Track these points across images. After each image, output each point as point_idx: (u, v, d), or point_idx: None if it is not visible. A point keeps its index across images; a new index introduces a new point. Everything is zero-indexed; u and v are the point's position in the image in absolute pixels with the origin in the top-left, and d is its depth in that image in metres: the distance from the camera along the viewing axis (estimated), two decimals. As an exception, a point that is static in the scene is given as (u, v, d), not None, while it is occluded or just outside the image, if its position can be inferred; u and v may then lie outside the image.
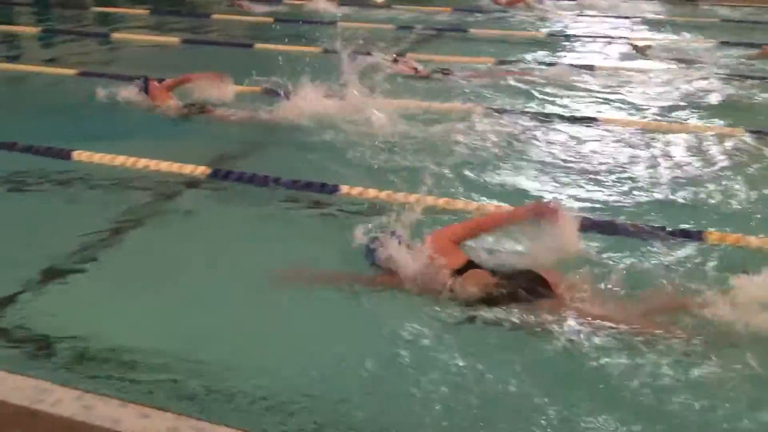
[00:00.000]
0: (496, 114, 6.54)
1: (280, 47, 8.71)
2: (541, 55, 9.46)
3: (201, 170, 5.18)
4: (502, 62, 8.81)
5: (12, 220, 4.40)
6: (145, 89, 6.63)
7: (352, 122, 6.13)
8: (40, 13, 13.25)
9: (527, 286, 3.32)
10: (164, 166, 5.25)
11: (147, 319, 3.36)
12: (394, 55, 8.03)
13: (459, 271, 3.44)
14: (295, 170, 5.15)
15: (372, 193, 4.76)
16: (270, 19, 12.16)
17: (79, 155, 5.42)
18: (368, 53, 7.16)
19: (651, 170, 5.40)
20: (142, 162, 5.28)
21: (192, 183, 5.09)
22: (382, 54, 7.31)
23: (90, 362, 3.02)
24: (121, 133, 6.17)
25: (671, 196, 4.91)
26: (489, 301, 3.31)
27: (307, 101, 6.42)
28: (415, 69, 8.06)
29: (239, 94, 7.01)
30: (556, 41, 10.64)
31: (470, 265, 3.49)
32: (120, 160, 5.32)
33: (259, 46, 9.77)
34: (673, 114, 6.92)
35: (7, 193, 4.91)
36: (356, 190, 4.81)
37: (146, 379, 2.89)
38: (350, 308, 3.46)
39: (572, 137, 6.12)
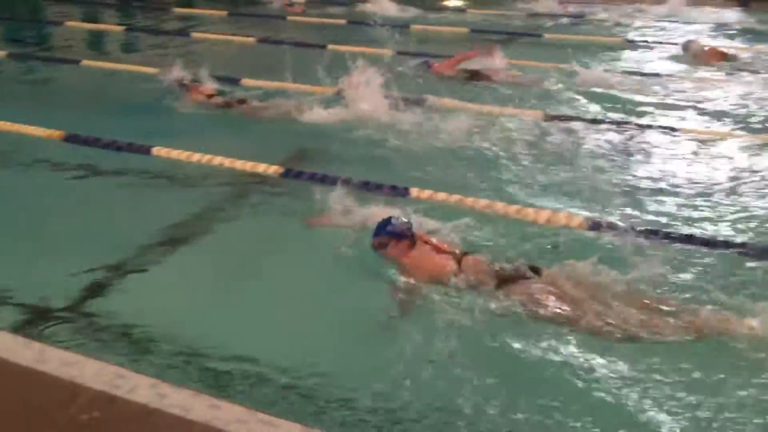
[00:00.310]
0: (565, 121, 6.46)
1: (353, 48, 8.81)
2: (615, 61, 9.27)
3: (273, 169, 5.29)
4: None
5: (93, 213, 4.60)
6: None
7: (416, 124, 6.15)
8: (123, 13, 13.74)
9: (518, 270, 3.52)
10: (238, 164, 5.37)
11: (221, 312, 3.46)
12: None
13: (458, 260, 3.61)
14: (365, 171, 5.21)
15: (441, 196, 4.76)
16: (343, 21, 12.30)
17: (158, 151, 5.60)
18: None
19: (726, 182, 5.24)
20: (218, 159, 5.41)
21: (264, 181, 5.20)
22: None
23: (165, 351, 3.13)
24: (198, 130, 6.36)
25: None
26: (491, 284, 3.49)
27: (373, 103, 6.49)
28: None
29: (311, 94, 7.13)
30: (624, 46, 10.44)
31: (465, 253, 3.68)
32: (196, 157, 5.48)
33: (331, 47, 9.89)
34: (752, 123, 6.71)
35: (90, 187, 5.12)
36: (426, 194, 4.81)
37: (218, 370, 2.98)
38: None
39: (650, 145, 6.00)
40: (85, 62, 8.68)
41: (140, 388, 2.66)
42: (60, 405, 2.53)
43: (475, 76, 8.00)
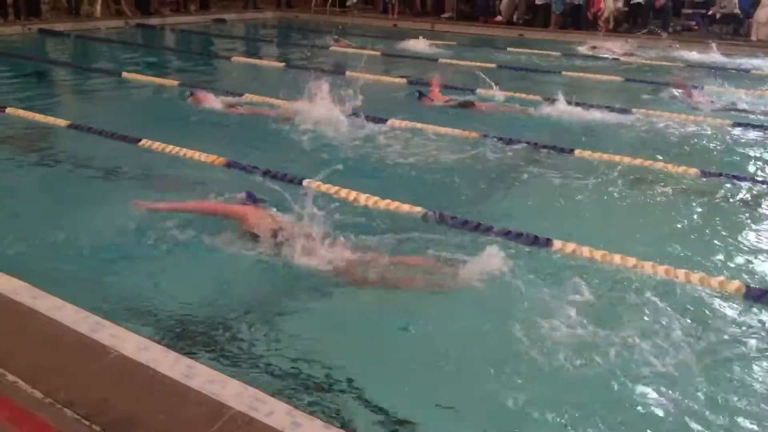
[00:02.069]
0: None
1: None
2: None
3: (416, 210, 5.34)
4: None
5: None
6: None
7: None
8: (284, 50, 14.53)
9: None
10: (383, 204, 5.46)
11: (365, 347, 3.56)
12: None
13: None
14: (508, 218, 5.17)
15: (586, 251, 4.63)
16: (493, 65, 12.37)
17: (309, 183, 5.82)
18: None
19: None
20: (363, 197, 5.55)
21: (405, 222, 5.26)
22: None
23: (304, 380, 3.23)
24: (350, 167, 6.57)
25: None
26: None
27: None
28: None
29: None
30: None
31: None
32: (344, 192, 5.65)
33: (480, 91, 9.99)
34: None
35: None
36: (570, 247, 4.69)
37: (349, 404, 3.03)
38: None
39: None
40: (248, 96, 9.25)
41: (277, 413, 2.75)
42: (207, 420, 2.66)
43: (464, 105, 8.98)
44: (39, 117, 7.62)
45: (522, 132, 7.70)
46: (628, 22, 17.68)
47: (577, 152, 7.06)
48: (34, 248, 4.56)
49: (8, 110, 7.87)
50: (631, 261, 4.48)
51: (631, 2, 17.48)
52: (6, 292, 3.60)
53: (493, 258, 4.29)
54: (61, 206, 5.30)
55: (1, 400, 2.73)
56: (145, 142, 6.78)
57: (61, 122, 7.51)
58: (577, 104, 8.71)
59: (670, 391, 3.26)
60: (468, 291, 4.12)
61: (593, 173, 6.41)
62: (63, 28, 15.04)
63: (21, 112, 7.83)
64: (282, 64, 12.25)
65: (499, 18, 18.41)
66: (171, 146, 6.62)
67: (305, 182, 5.74)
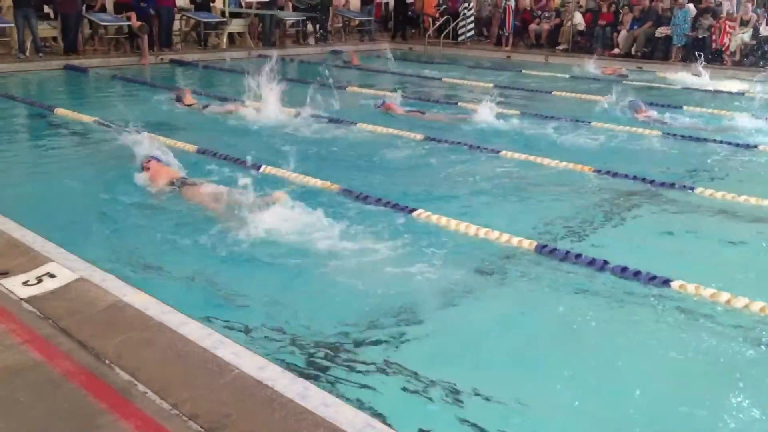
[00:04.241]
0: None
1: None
2: None
3: (527, 244, 5.30)
4: None
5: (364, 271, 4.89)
6: None
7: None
8: (397, 81, 14.80)
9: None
10: (493, 235, 5.46)
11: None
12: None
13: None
14: (623, 254, 5.05)
15: (708, 293, 4.43)
16: (601, 98, 12.09)
17: (419, 214, 5.90)
18: None
19: None
20: (474, 228, 5.56)
21: (514, 254, 5.22)
22: None
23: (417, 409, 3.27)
24: (462, 198, 6.64)
25: None
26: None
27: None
28: None
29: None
30: None
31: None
32: (453, 224, 5.68)
33: (595, 124, 9.83)
34: None
35: (362, 243, 5.43)
36: (692, 287, 4.52)
37: None
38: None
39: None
40: (360, 124, 9.52)
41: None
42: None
43: (413, 113, 10.42)
44: (170, 141, 8.09)
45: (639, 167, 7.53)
46: (755, 55, 16.90)
47: (698, 190, 6.81)
48: (163, 267, 4.86)
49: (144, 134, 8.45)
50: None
51: (759, 35, 16.71)
52: (138, 306, 3.84)
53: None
54: (187, 228, 5.59)
55: (133, 409, 2.91)
56: (265, 168, 7.08)
57: (190, 147, 7.96)
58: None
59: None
60: (590, 327, 4.06)
61: (713, 212, 6.17)
62: (192, 59, 15.96)
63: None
64: (393, 95, 12.47)
65: (616, 50, 18.04)
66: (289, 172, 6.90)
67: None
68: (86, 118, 9.50)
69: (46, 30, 15.19)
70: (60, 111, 9.92)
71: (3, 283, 4.06)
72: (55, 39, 15.57)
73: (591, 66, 15.83)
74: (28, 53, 14.52)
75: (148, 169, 6.54)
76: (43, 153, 8.38)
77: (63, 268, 4.28)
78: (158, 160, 6.63)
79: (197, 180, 6.40)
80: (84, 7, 15.31)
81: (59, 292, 3.99)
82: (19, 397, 2.98)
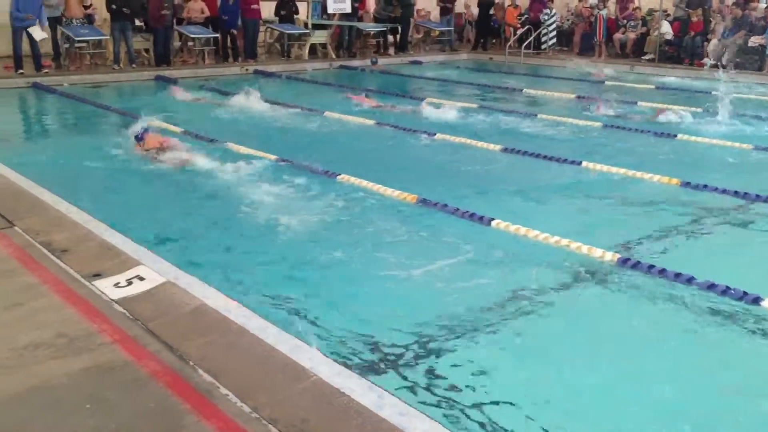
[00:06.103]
0: None
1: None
2: None
3: (609, 256, 5.18)
4: None
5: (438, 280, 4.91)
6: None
7: None
8: (482, 91, 14.73)
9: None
10: (574, 246, 5.37)
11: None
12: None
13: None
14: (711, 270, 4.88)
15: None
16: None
17: (497, 224, 5.85)
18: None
19: None
20: (554, 239, 5.48)
21: (596, 267, 5.11)
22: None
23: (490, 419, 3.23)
24: (534, 207, 6.55)
25: None
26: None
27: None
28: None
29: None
30: None
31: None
32: (533, 234, 5.61)
33: (682, 137, 9.54)
34: None
35: (428, 246, 5.49)
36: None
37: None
38: None
39: None
40: (439, 135, 9.56)
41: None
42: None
43: None
44: (252, 151, 8.30)
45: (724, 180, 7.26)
46: None
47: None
48: (243, 271, 4.99)
49: (228, 144, 8.74)
50: None
51: None
52: (221, 310, 3.96)
53: None
54: (269, 235, 5.72)
55: (215, 411, 3.00)
56: (343, 177, 7.18)
57: (271, 156, 8.15)
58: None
59: None
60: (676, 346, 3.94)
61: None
62: (275, 69, 16.34)
63: (236, 147, 8.60)
64: (474, 105, 12.41)
65: (705, 60, 17.41)
66: (365, 181, 6.96)
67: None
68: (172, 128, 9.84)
69: (138, 42, 15.86)
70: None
71: (96, 284, 4.26)
72: (147, 50, 16.25)
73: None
74: (122, 64, 15.22)
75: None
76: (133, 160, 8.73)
77: (152, 271, 4.45)
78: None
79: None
80: (174, 21, 15.94)
81: (148, 295, 4.16)
82: (109, 395, 3.12)
